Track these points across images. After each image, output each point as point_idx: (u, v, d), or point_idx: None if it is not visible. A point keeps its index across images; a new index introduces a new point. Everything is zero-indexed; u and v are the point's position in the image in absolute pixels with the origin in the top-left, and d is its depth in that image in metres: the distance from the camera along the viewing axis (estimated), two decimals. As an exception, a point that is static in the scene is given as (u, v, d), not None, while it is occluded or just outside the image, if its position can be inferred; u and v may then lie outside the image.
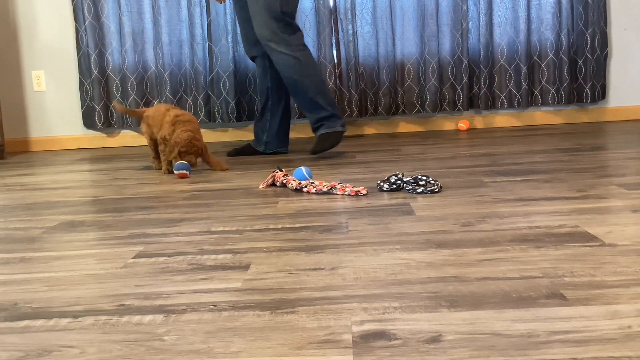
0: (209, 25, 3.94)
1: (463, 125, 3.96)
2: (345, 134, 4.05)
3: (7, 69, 4.12)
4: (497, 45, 3.91)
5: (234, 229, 1.73)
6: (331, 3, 3.88)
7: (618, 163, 2.42)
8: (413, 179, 2.09)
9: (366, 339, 0.98)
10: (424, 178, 2.08)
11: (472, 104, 4.00)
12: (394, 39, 3.90)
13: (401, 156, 2.94)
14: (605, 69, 3.96)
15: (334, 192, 2.11)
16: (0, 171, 3.28)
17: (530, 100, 3.97)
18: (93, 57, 3.99)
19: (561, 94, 3.94)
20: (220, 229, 1.74)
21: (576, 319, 1.00)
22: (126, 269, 1.42)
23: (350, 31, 3.89)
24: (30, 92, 4.15)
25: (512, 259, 1.32)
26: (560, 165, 2.43)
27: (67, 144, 4.19)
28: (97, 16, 3.98)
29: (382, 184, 2.12)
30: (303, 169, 2.28)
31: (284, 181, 2.26)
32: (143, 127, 2.93)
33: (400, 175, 2.11)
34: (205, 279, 1.31)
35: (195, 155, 2.69)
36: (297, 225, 1.73)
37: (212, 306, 1.15)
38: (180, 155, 2.66)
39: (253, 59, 3.17)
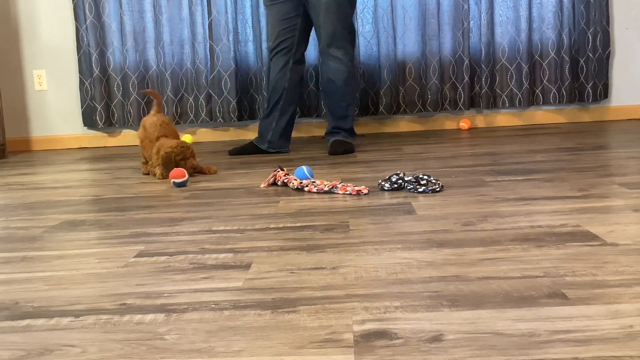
0: (210, 24, 3.93)
1: (464, 124, 3.96)
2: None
3: (8, 68, 4.12)
4: (498, 45, 3.91)
5: (235, 228, 1.73)
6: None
7: (620, 162, 2.42)
8: (414, 178, 2.09)
9: (367, 339, 0.98)
10: (425, 177, 2.08)
11: (473, 103, 4.00)
12: (395, 38, 3.90)
13: (402, 155, 2.93)
14: (607, 68, 3.95)
15: (335, 192, 2.11)
16: (2, 170, 3.28)
17: (531, 100, 3.96)
18: (94, 56, 3.99)
19: (563, 93, 3.93)
20: (222, 228, 1.74)
21: (577, 318, 1.00)
22: (127, 268, 1.42)
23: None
24: (31, 91, 4.16)
25: (514, 259, 1.32)
26: (562, 165, 2.43)
27: (68, 143, 4.19)
28: (98, 15, 3.98)
29: (383, 183, 2.12)
30: (304, 168, 2.28)
31: (285, 180, 2.26)
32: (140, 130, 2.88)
33: (401, 175, 2.11)
34: (207, 278, 1.31)
35: (186, 160, 2.59)
36: (298, 224, 1.73)
37: (213, 305, 1.15)
38: (167, 166, 2.56)
39: (274, 53, 3.14)
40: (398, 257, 1.38)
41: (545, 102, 3.97)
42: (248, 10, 3.92)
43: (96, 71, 4.00)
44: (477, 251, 1.39)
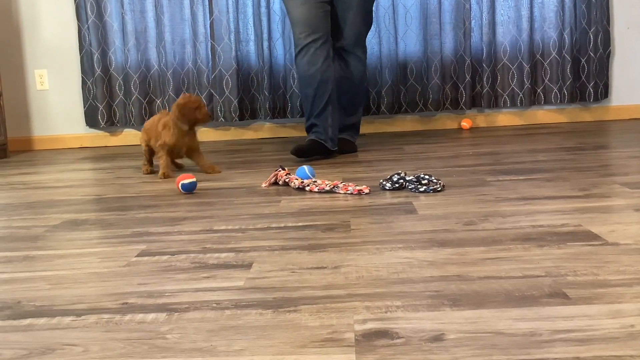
0: (211, 23, 3.94)
1: (466, 124, 3.95)
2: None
3: (10, 67, 4.13)
4: (499, 44, 3.91)
5: (236, 227, 1.73)
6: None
7: (621, 162, 2.42)
8: (416, 177, 2.09)
9: (369, 338, 0.98)
10: (427, 177, 2.08)
11: (474, 102, 4.00)
12: (396, 38, 3.90)
13: (404, 155, 2.93)
14: (608, 68, 3.95)
15: (337, 191, 2.11)
16: (3, 170, 3.29)
17: (533, 99, 3.96)
18: (96, 55, 3.99)
19: (564, 92, 3.93)
20: (223, 227, 1.74)
21: (579, 317, 1.00)
22: (129, 268, 1.42)
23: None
24: (33, 91, 4.16)
25: (515, 258, 1.32)
26: (563, 164, 2.43)
27: (69, 142, 4.19)
28: (100, 15, 3.98)
29: (384, 182, 2.12)
30: (305, 167, 2.28)
31: (287, 180, 2.26)
32: (142, 135, 2.84)
33: (402, 174, 2.11)
34: (208, 277, 1.32)
35: (200, 108, 2.62)
36: (299, 224, 1.73)
37: (214, 305, 1.16)
38: (186, 114, 2.59)
39: (312, 43, 2.89)
40: (399, 257, 1.38)
41: (547, 102, 3.96)
42: (249, 10, 3.93)
43: (98, 71, 4.00)
44: (478, 251, 1.39)
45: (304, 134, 4.08)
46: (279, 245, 1.52)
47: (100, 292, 1.27)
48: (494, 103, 3.98)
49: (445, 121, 4.06)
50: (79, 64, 4.07)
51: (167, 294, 1.23)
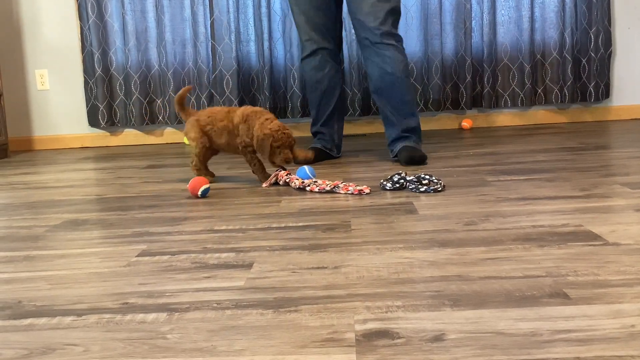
0: (212, 24, 3.94)
1: (466, 124, 3.95)
2: (348, 133, 4.06)
3: (11, 67, 4.13)
4: (500, 44, 3.91)
5: (237, 227, 1.73)
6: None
7: (622, 162, 2.42)
8: (416, 177, 2.09)
9: (369, 338, 0.98)
10: (427, 177, 2.08)
11: (475, 102, 4.00)
12: (397, 38, 3.90)
13: (404, 155, 2.93)
14: (609, 68, 3.95)
15: (337, 191, 2.11)
16: (4, 170, 3.29)
17: (533, 99, 3.96)
18: (97, 55, 3.99)
19: (565, 92, 3.93)
20: (224, 227, 1.74)
21: (579, 318, 1.00)
22: (130, 268, 1.42)
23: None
24: (33, 90, 4.16)
25: (516, 258, 1.32)
26: (564, 164, 2.43)
27: (70, 142, 4.19)
28: (101, 15, 3.98)
29: (385, 182, 2.12)
30: (306, 167, 2.28)
31: (287, 180, 2.26)
32: (193, 132, 2.43)
33: (403, 174, 2.11)
34: (209, 277, 1.32)
35: (290, 148, 2.29)
36: (300, 224, 1.73)
37: (215, 305, 1.16)
38: (274, 151, 2.25)
39: (317, 49, 2.78)
40: (400, 257, 1.38)
41: (548, 102, 3.96)
42: (250, 10, 3.93)
43: (98, 71, 4.00)
44: (479, 251, 1.39)
45: (305, 133, 4.08)
46: (279, 245, 1.52)
47: (100, 292, 1.27)
48: (495, 103, 3.98)
49: (446, 121, 4.06)
50: (80, 64, 4.07)
51: (167, 294, 1.23)
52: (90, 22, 3.97)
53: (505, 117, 4.06)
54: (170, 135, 4.18)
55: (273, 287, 1.23)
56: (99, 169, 3.11)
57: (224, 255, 1.47)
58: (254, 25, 3.93)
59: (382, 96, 2.71)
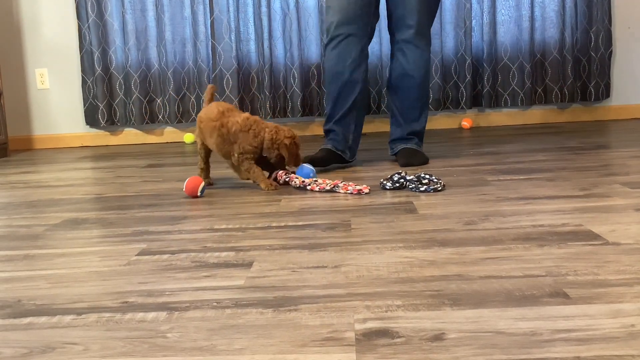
0: (212, 23, 3.94)
1: (466, 123, 3.95)
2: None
3: (10, 66, 4.13)
4: (500, 44, 3.91)
5: (237, 226, 1.73)
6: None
7: (622, 162, 2.42)
8: (416, 177, 2.09)
9: (369, 337, 0.98)
10: (427, 176, 2.08)
11: (475, 102, 4.00)
12: (397, 37, 3.90)
13: (404, 154, 2.93)
14: (609, 68, 3.95)
15: (337, 191, 2.11)
16: (4, 169, 3.29)
17: (533, 99, 3.96)
18: (96, 55, 3.99)
19: (565, 92, 3.93)
20: (224, 226, 1.74)
21: (579, 317, 1.00)
22: (129, 267, 1.42)
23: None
24: (33, 90, 4.16)
25: (516, 258, 1.32)
26: (564, 164, 2.43)
27: (70, 141, 4.19)
28: (101, 14, 3.98)
29: (385, 182, 2.12)
30: (307, 166, 2.28)
31: (287, 179, 2.26)
32: (197, 129, 2.40)
33: (403, 174, 2.11)
34: (209, 276, 1.32)
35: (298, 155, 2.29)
36: (300, 223, 1.73)
37: (215, 304, 1.16)
38: (297, 155, 2.25)
39: (344, 36, 2.54)
40: (400, 256, 1.38)
41: (547, 102, 3.96)
42: (250, 9, 3.93)
43: (98, 70, 4.00)
44: (478, 250, 1.39)
45: (305, 133, 4.08)
46: (279, 245, 1.52)
47: (100, 290, 1.27)
48: (495, 102, 3.98)
49: (446, 121, 4.06)
50: (80, 63, 4.07)
51: (167, 293, 1.23)
52: (90, 21, 3.97)
53: (505, 117, 4.06)
54: (170, 134, 4.18)
55: (273, 286, 1.23)
56: (99, 168, 3.11)
57: (223, 254, 1.47)
58: (254, 24, 3.93)
59: (396, 95, 2.67)
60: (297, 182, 2.20)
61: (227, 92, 3.94)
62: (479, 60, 3.95)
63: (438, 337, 0.96)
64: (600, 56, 3.90)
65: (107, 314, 1.14)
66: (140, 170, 2.92)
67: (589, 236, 1.45)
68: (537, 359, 0.87)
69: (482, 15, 3.89)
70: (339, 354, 0.93)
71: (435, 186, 2.04)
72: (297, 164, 2.29)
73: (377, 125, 4.05)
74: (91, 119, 4.08)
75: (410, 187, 2.08)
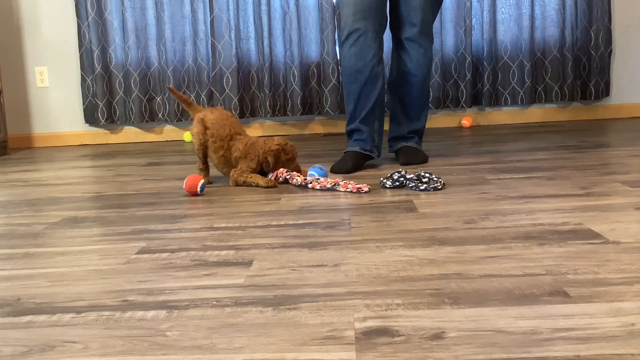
0: (212, 21, 3.93)
1: (466, 122, 3.95)
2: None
3: (10, 65, 4.13)
4: (500, 42, 3.91)
5: (236, 225, 1.73)
6: (334, 0, 3.87)
7: (621, 160, 2.42)
8: (416, 176, 2.09)
9: (369, 336, 0.98)
10: (427, 175, 2.08)
11: (475, 100, 4.00)
12: (397, 36, 3.90)
13: (404, 153, 2.92)
14: (609, 67, 3.95)
15: (337, 189, 2.11)
16: (4, 167, 3.28)
17: (533, 97, 3.96)
18: (96, 53, 3.99)
19: (565, 91, 3.93)
20: (223, 225, 1.74)
21: (579, 316, 1.00)
22: (129, 265, 1.42)
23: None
24: (33, 88, 4.16)
25: (515, 256, 1.32)
26: (564, 163, 2.43)
27: (69, 140, 4.19)
28: (100, 12, 3.98)
29: (385, 181, 2.12)
30: (318, 167, 2.27)
31: (287, 177, 2.26)
32: (196, 128, 2.40)
33: (403, 172, 2.11)
34: (208, 275, 1.31)
35: (293, 160, 2.33)
36: (299, 222, 1.73)
37: (215, 302, 1.16)
38: (284, 164, 2.30)
39: (362, 33, 2.47)
40: (400, 255, 1.37)
41: (548, 100, 3.96)
42: (250, 7, 3.92)
43: (98, 68, 4.00)
44: (478, 249, 1.39)
45: (304, 132, 4.07)
46: (279, 243, 1.52)
47: (100, 289, 1.27)
48: (495, 101, 3.98)
49: (446, 119, 4.06)
50: (79, 61, 4.06)
51: (167, 292, 1.23)
52: (89, 19, 3.97)
53: (505, 115, 4.06)
54: (169, 132, 4.18)
55: (273, 285, 1.23)
56: (99, 166, 3.10)
57: (223, 252, 1.47)
58: (254, 22, 3.93)
59: (397, 93, 2.65)
60: (299, 180, 2.20)
61: (227, 90, 3.94)
62: (479, 58, 3.95)
63: (438, 336, 0.96)
64: (600, 55, 3.90)
65: (107, 313, 1.14)
66: (140, 168, 2.92)
67: (589, 235, 1.45)
68: (537, 358, 0.87)
69: (482, 13, 3.89)
70: (338, 352, 0.93)
71: (435, 185, 2.04)
72: (295, 170, 2.32)
73: (377, 124, 4.04)
74: (91, 118, 4.08)
75: (410, 185, 2.08)
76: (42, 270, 1.42)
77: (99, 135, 4.18)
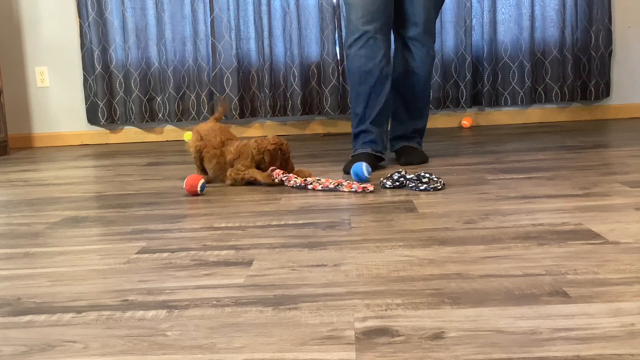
0: (212, 21, 3.94)
1: (466, 122, 3.95)
2: (349, 131, 4.05)
3: (10, 65, 4.13)
4: (500, 43, 3.91)
5: (236, 225, 1.73)
6: (334, 0, 3.87)
7: (621, 161, 2.42)
8: (416, 176, 2.09)
9: (369, 336, 0.98)
10: (427, 175, 2.08)
11: (475, 101, 4.00)
12: (397, 36, 3.90)
13: (404, 153, 2.92)
14: (609, 67, 3.95)
15: (341, 189, 2.11)
16: (4, 167, 3.29)
17: (533, 98, 3.96)
18: (96, 53, 3.99)
19: (565, 91, 3.93)
20: (223, 225, 1.74)
21: (579, 316, 1.00)
22: (129, 265, 1.42)
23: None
24: (33, 88, 4.16)
25: (515, 257, 1.32)
26: (564, 163, 2.43)
27: (70, 140, 4.19)
28: (101, 12, 3.98)
29: (385, 181, 2.12)
30: (364, 165, 2.19)
31: (284, 178, 2.25)
32: (192, 138, 2.47)
33: (403, 173, 2.11)
34: (208, 274, 1.32)
35: (288, 160, 2.35)
36: (300, 221, 1.73)
37: (215, 302, 1.16)
38: (280, 163, 2.31)
39: (371, 34, 2.46)
40: (399, 255, 1.38)
41: (548, 100, 3.96)
42: (250, 7, 3.92)
43: (98, 68, 4.00)
44: (478, 249, 1.39)
45: (305, 132, 4.07)
46: (279, 243, 1.52)
47: (100, 289, 1.27)
48: (495, 101, 3.98)
49: (446, 119, 4.06)
50: (80, 61, 4.07)
51: (167, 291, 1.23)
52: (90, 19, 3.97)
53: (505, 116, 4.06)
54: (170, 132, 4.18)
55: (273, 285, 1.23)
56: (99, 166, 3.11)
57: (223, 252, 1.47)
58: (254, 22, 3.93)
59: (399, 92, 2.64)
60: (298, 182, 2.20)
61: (227, 90, 3.94)
62: (479, 59, 3.95)
63: (438, 336, 0.96)
64: (601, 55, 3.90)
65: (107, 312, 1.14)
66: (140, 168, 2.92)
67: (589, 235, 1.45)
68: (537, 358, 0.87)
69: (483, 14, 3.89)
70: (338, 352, 0.93)
71: (435, 185, 2.04)
72: (290, 170, 2.34)
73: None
74: (91, 117, 4.08)
75: (410, 185, 2.08)
76: (43, 270, 1.42)
77: (99, 135, 4.18)
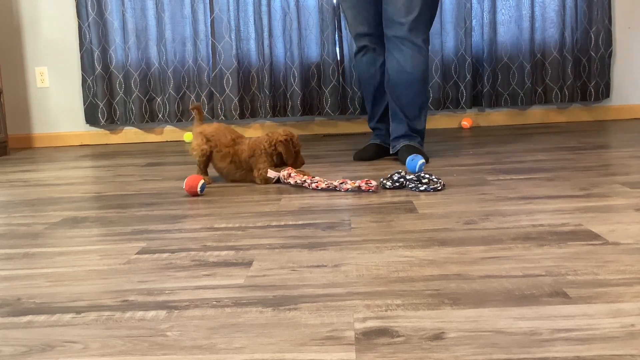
0: (212, 22, 3.94)
1: (466, 123, 3.95)
2: (349, 132, 4.06)
3: (10, 65, 4.13)
4: (500, 43, 3.91)
5: (236, 225, 1.73)
6: (334, 0, 3.87)
7: (621, 161, 2.42)
8: (416, 176, 2.09)
9: (369, 336, 0.98)
10: (427, 176, 2.08)
11: (475, 101, 4.00)
12: (397, 37, 3.90)
13: (404, 154, 2.92)
14: (609, 68, 3.95)
15: (345, 187, 2.10)
16: (4, 167, 3.29)
17: (533, 99, 3.96)
18: (96, 53, 3.99)
19: (565, 92, 3.93)
20: (223, 225, 1.74)
21: (579, 317, 1.00)
22: (129, 265, 1.42)
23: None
24: (33, 88, 4.16)
25: (515, 257, 1.32)
26: (564, 164, 2.43)
27: (70, 140, 4.19)
28: (101, 12, 3.98)
29: (385, 181, 2.12)
30: (418, 161, 2.30)
31: (299, 181, 2.24)
32: (196, 141, 2.43)
33: (403, 173, 2.11)
34: (208, 275, 1.32)
35: (298, 154, 2.38)
36: (300, 222, 1.73)
37: (215, 302, 1.16)
38: (285, 152, 2.31)
39: (368, 47, 2.76)
40: (399, 255, 1.38)
41: (547, 101, 3.96)
42: (250, 8, 3.92)
43: (98, 68, 4.00)
44: (478, 250, 1.39)
45: (305, 132, 4.08)
46: (279, 244, 1.52)
47: (100, 289, 1.27)
48: (495, 102, 3.98)
49: (446, 120, 4.06)
50: (80, 62, 4.06)
51: (167, 292, 1.23)
52: (90, 19, 3.97)
53: (505, 116, 4.06)
54: (169, 133, 4.18)
55: (273, 285, 1.23)
56: (99, 166, 3.11)
57: (223, 253, 1.47)
58: (254, 23, 3.93)
59: (395, 92, 2.69)
60: (299, 181, 2.20)
61: (227, 91, 3.94)
62: (479, 59, 3.95)
63: (438, 337, 0.96)
64: (600, 56, 3.90)
65: (107, 313, 1.14)
66: (140, 168, 2.92)
67: (589, 236, 1.45)
68: (537, 359, 0.87)
69: (483, 14, 3.89)
70: (338, 353, 0.93)
71: (435, 186, 2.04)
72: (300, 163, 2.37)
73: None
74: (91, 118, 4.08)
75: (410, 186, 2.08)
76: (42, 270, 1.42)
77: (99, 136, 4.18)
